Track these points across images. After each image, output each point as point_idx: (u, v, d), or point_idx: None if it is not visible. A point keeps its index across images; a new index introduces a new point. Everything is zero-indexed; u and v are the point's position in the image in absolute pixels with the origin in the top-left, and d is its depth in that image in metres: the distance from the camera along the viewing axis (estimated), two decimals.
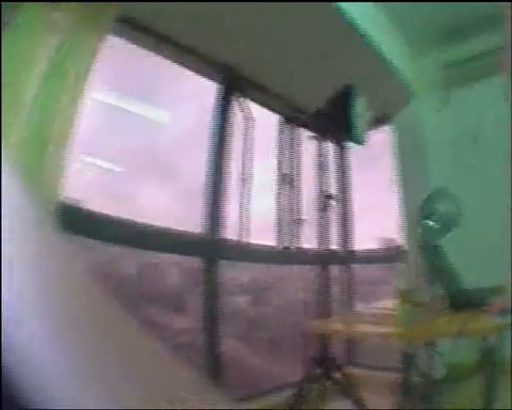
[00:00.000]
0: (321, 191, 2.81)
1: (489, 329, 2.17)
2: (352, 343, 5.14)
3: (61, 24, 2.55)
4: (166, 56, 3.70)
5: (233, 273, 4.49)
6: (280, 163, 4.64)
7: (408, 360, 3.03)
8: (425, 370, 3.33)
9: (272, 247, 4.43)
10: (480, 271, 3.22)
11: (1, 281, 0.45)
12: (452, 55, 4.50)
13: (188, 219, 3.84)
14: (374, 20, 3.93)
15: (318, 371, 2.81)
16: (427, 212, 3.35)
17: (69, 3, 2.60)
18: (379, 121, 4.87)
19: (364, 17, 3.61)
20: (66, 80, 2.54)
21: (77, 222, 2.83)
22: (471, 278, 2.90)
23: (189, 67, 3.89)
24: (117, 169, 3.49)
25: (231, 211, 4.02)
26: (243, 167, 4.15)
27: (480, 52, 4.28)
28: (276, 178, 4.59)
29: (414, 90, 4.67)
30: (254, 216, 4.19)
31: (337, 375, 2.90)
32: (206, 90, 4.05)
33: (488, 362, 2.87)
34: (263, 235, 4.40)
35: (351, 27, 3.42)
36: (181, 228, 3.59)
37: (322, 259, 2.94)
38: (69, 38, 2.59)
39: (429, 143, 4.59)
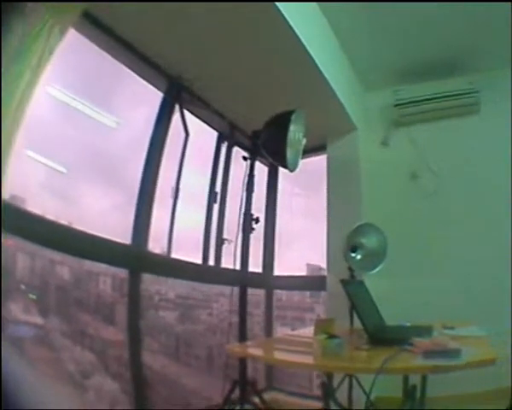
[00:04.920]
0: (247, 213, 2.76)
1: (410, 369, 2.12)
2: (273, 368, 5.12)
3: (29, 13, 2.47)
4: (122, 60, 3.67)
5: (160, 288, 4.43)
6: (212, 180, 4.64)
7: (326, 390, 3.01)
8: (344, 400, 3.32)
9: (198, 264, 4.42)
10: (407, 309, 3.28)
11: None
12: (401, 95, 4.65)
13: (122, 228, 3.77)
14: (328, 49, 4.01)
15: (238, 393, 2.75)
16: (352, 245, 3.36)
17: None
18: (317, 149, 4.91)
19: (318, 43, 3.66)
20: (24, 71, 2.45)
21: (18, 223, 2.77)
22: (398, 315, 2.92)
23: (141, 74, 3.87)
24: (61, 169, 3.38)
25: (161, 223, 3.97)
26: (176, 180, 4.11)
27: (429, 96, 4.44)
28: (207, 194, 4.58)
29: (358, 123, 4.75)
30: (183, 230, 4.17)
31: (256, 399, 2.85)
32: (155, 98, 4.02)
33: (410, 400, 2.89)
34: (190, 250, 4.39)
35: (302, 51, 3.42)
36: (114, 238, 3.53)
37: (243, 281, 2.90)
38: (34, 26, 2.51)
39: (366, 177, 4.65)
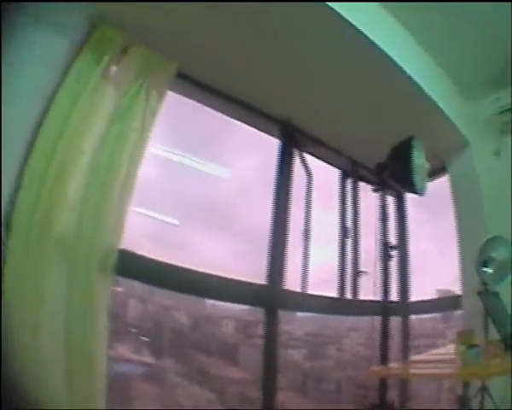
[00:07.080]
0: (384, 242, 2.86)
1: None
2: (407, 390, 5.13)
3: (119, 77, 2.73)
4: (226, 112, 3.84)
5: (288, 327, 4.56)
6: (342, 216, 4.74)
7: (463, 404, 3.06)
8: None
9: (333, 298, 4.45)
10: None
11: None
12: (503, 101, 4.49)
13: (247, 270, 3.87)
14: (426, 71, 4.01)
15: None
16: (483, 259, 3.42)
17: (128, 60, 2.80)
18: (436, 171, 4.94)
19: (418, 68, 3.71)
20: (126, 132, 2.69)
21: (132, 267, 2.91)
22: None
23: (248, 123, 4.02)
24: (174, 222, 3.59)
25: (294, 263, 4.03)
26: (305, 220, 4.22)
27: None
28: (338, 231, 4.68)
29: (469, 137, 4.68)
30: (316, 268, 4.24)
31: None
32: (266, 144, 4.16)
33: None
34: (324, 286, 4.42)
35: (406, 79, 3.54)
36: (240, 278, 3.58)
37: (384, 310, 2.98)
38: (131, 93, 2.76)
39: (486, 190, 4.60)
